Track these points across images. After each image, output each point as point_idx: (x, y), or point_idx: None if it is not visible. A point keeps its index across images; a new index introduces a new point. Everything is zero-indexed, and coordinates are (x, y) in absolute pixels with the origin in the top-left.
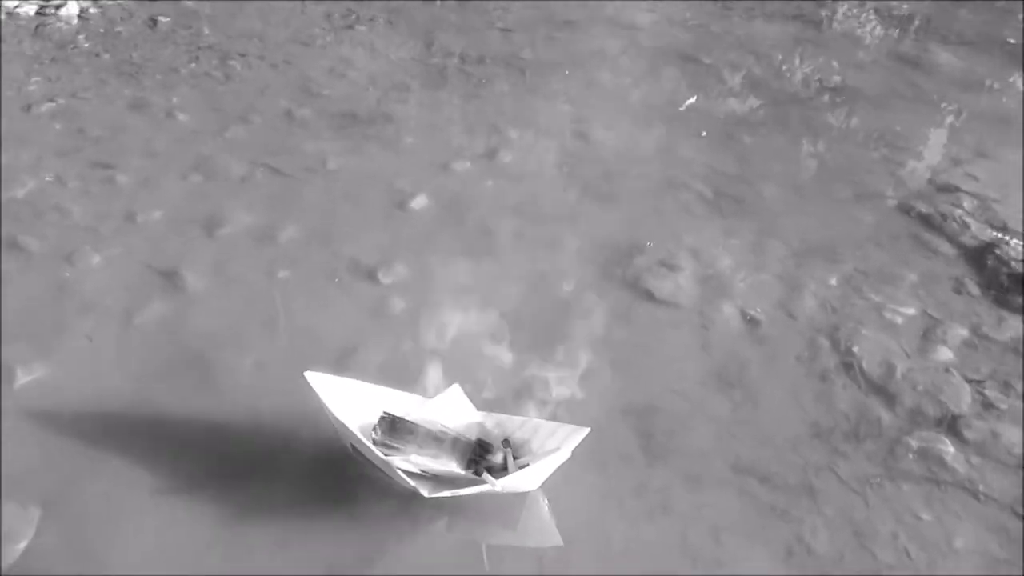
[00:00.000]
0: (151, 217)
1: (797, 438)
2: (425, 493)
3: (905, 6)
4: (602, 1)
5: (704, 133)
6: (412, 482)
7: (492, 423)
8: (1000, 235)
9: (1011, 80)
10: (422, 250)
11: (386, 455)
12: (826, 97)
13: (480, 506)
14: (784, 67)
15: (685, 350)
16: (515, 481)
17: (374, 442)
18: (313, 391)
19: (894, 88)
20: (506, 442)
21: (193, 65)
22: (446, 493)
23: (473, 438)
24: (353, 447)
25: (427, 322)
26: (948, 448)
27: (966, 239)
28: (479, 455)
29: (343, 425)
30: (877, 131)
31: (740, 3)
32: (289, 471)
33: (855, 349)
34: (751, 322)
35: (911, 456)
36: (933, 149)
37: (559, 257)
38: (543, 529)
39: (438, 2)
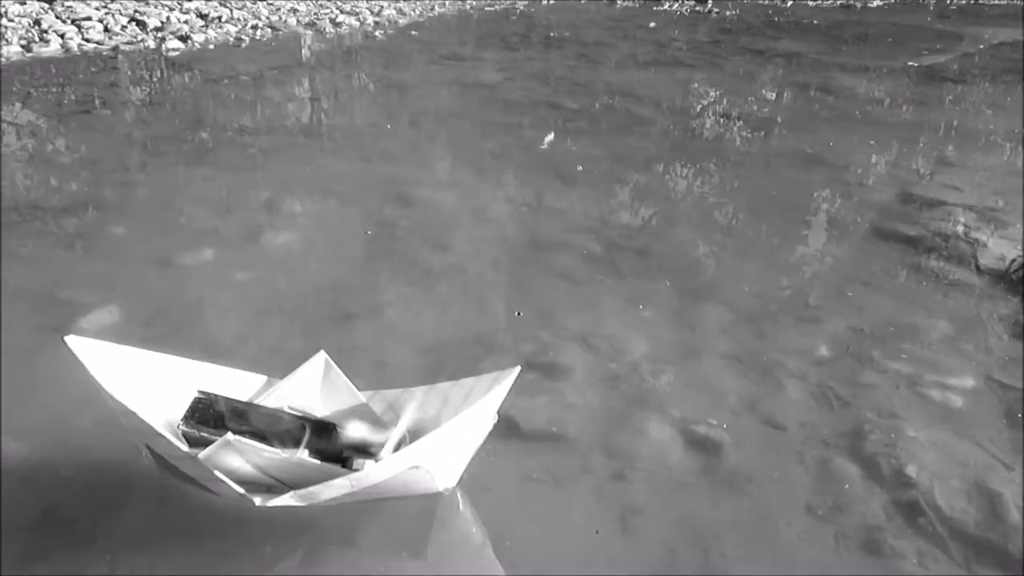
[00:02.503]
0: None
1: None
2: (257, 502)
3: (797, 46)
4: (443, 66)
5: (580, 168)
6: (237, 487)
7: (381, 404)
8: None
9: (941, 95)
10: (75, 409)
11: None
12: (734, 127)
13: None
14: (675, 103)
15: (587, 537)
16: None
17: (182, 434)
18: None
19: (810, 110)
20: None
21: None
22: (287, 500)
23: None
24: (149, 448)
25: None
26: None
27: (988, 260)
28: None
29: (128, 414)
30: (807, 153)
31: (606, 49)
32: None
33: (912, 472)
34: (705, 447)
35: None
36: (883, 164)
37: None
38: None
39: (225, 81)
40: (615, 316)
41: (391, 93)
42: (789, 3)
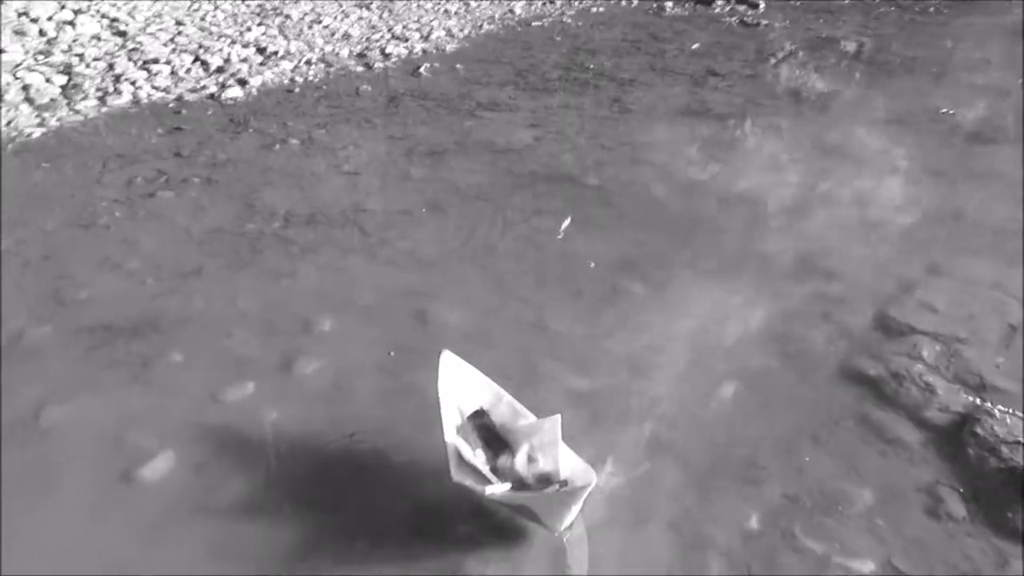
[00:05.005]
0: None
1: None
2: (487, 490)
3: (840, 84)
4: (478, 121)
5: (592, 264)
6: (467, 480)
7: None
8: (978, 401)
9: (964, 160)
10: (137, 567)
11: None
12: (734, 212)
13: None
14: (686, 177)
15: None
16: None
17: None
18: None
19: (819, 192)
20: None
21: None
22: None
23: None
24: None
25: None
26: None
27: (932, 413)
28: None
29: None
30: (805, 255)
31: (641, 90)
32: None
33: None
34: None
35: None
36: (875, 270)
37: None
38: None
39: (276, 147)
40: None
41: (425, 164)
42: None
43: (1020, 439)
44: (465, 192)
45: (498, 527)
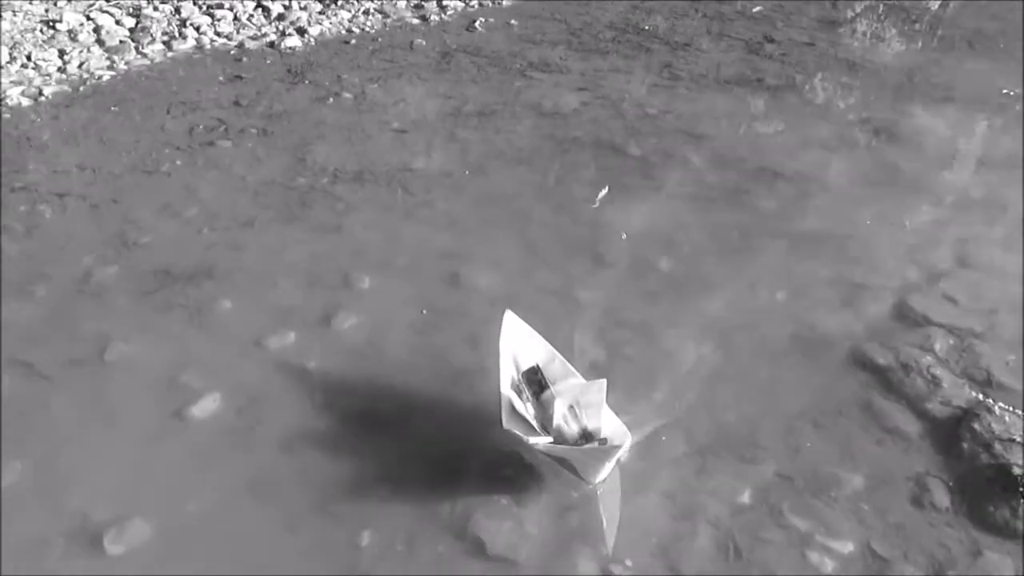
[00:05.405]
0: None
1: None
2: (530, 440)
3: (890, 50)
4: (528, 81)
5: (624, 236)
6: (516, 429)
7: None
8: (981, 396)
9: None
10: (184, 494)
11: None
12: (772, 189)
13: None
14: (727, 150)
15: None
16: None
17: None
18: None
19: (863, 173)
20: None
21: None
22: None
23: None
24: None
25: None
26: None
27: (934, 405)
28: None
29: (506, 361)
30: (832, 236)
31: (693, 55)
32: None
33: None
34: None
35: None
36: (901, 256)
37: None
38: None
39: (330, 100)
40: None
41: (471, 125)
42: None
43: (1015, 437)
44: (507, 156)
45: (509, 479)
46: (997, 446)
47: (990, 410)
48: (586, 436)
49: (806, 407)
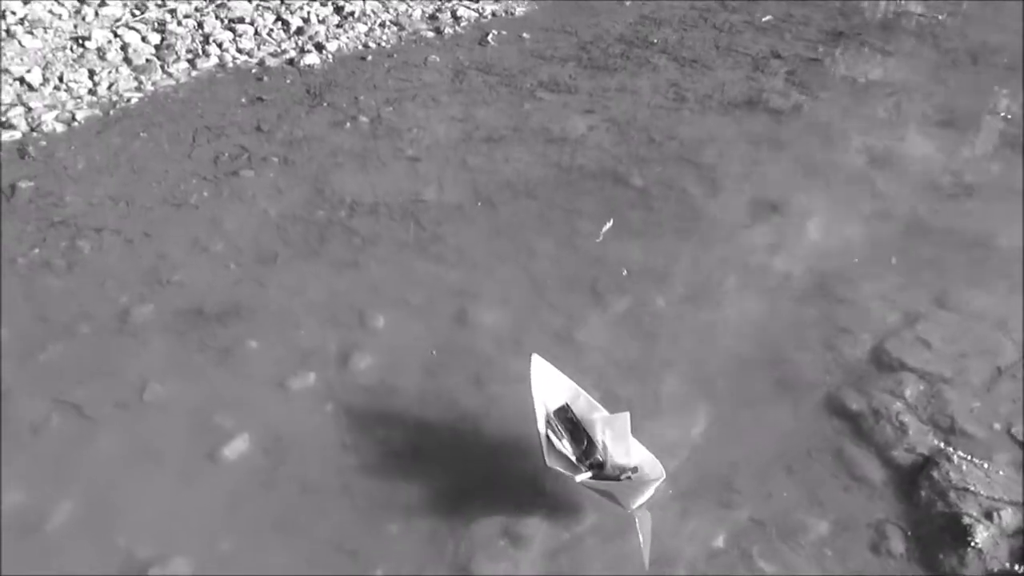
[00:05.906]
0: None
1: None
2: (577, 477)
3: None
4: (537, 103)
5: (625, 272)
6: (558, 466)
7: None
8: (942, 444)
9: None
10: (218, 532)
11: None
12: (765, 225)
13: None
14: (726, 180)
15: None
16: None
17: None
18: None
19: (853, 208)
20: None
21: (36, 251)
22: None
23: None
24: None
25: None
26: None
27: (899, 452)
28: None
29: (539, 403)
30: (823, 277)
31: (699, 74)
32: None
33: None
34: None
35: None
36: (884, 300)
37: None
38: None
39: (347, 125)
40: None
41: (481, 152)
42: None
43: (969, 487)
44: (516, 187)
45: (510, 519)
46: (952, 495)
47: (949, 459)
48: (618, 467)
49: (781, 451)
